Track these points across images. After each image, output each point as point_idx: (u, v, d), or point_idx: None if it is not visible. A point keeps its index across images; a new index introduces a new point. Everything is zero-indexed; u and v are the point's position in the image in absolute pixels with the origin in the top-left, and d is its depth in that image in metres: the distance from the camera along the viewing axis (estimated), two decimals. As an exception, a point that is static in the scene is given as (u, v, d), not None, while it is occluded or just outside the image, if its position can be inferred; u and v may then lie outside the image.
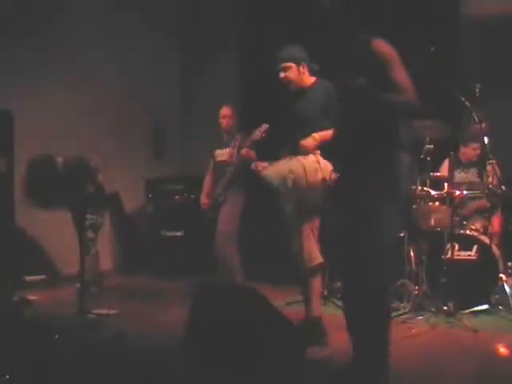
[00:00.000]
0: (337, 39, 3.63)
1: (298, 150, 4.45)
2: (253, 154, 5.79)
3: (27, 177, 5.59)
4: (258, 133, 5.51)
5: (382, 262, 3.36)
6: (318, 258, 4.48)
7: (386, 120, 3.43)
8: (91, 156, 6.03)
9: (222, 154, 6.28)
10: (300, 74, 4.63)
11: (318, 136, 4.41)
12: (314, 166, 4.35)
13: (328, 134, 4.27)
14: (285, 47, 4.67)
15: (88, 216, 6.61)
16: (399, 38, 6.95)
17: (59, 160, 5.75)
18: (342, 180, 3.58)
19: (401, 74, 3.36)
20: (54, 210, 5.84)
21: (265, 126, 5.46)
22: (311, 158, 4.40)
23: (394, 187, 3.41)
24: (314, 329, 4.46)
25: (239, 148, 6.00)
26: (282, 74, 4.62)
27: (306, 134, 4.44)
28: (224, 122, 6.26)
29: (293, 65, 4.61)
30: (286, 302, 5.68)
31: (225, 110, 6.28)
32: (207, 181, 6.43)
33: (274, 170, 4.52)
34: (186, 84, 9.10)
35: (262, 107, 7.18)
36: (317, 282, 4.55)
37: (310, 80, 4.69)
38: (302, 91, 4.67)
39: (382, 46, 3.45)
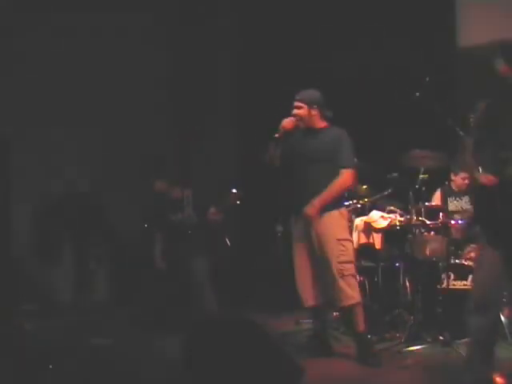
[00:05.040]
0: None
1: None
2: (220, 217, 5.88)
3: None
4: (232, 198, 5.70)
5: None
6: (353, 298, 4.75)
7: None
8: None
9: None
10: (310, 116, 4.84)
11: (317, 203, 4.68)
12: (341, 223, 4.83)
13: (327, 195, 4.69)
14: (305, 90, 4.92)
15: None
16: (396, 69, 6.99)
17: None
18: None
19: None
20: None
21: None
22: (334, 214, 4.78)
23: None
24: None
25: (205, 211, 5.92)
26: (293, 111, 4.85)
27: (312, 173, 4.75)
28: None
29: (303, 105, 4.83)
30: (282, 333, 5.67)
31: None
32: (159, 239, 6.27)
33: None
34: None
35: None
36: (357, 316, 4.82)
37: (320, 123, 4.90)
38: (311, 132, 4.88)
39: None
